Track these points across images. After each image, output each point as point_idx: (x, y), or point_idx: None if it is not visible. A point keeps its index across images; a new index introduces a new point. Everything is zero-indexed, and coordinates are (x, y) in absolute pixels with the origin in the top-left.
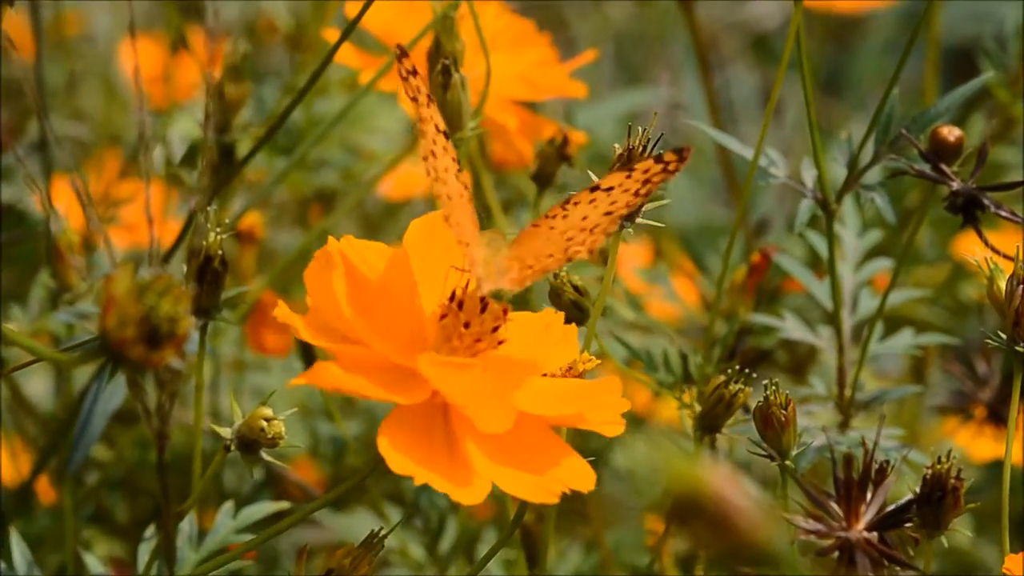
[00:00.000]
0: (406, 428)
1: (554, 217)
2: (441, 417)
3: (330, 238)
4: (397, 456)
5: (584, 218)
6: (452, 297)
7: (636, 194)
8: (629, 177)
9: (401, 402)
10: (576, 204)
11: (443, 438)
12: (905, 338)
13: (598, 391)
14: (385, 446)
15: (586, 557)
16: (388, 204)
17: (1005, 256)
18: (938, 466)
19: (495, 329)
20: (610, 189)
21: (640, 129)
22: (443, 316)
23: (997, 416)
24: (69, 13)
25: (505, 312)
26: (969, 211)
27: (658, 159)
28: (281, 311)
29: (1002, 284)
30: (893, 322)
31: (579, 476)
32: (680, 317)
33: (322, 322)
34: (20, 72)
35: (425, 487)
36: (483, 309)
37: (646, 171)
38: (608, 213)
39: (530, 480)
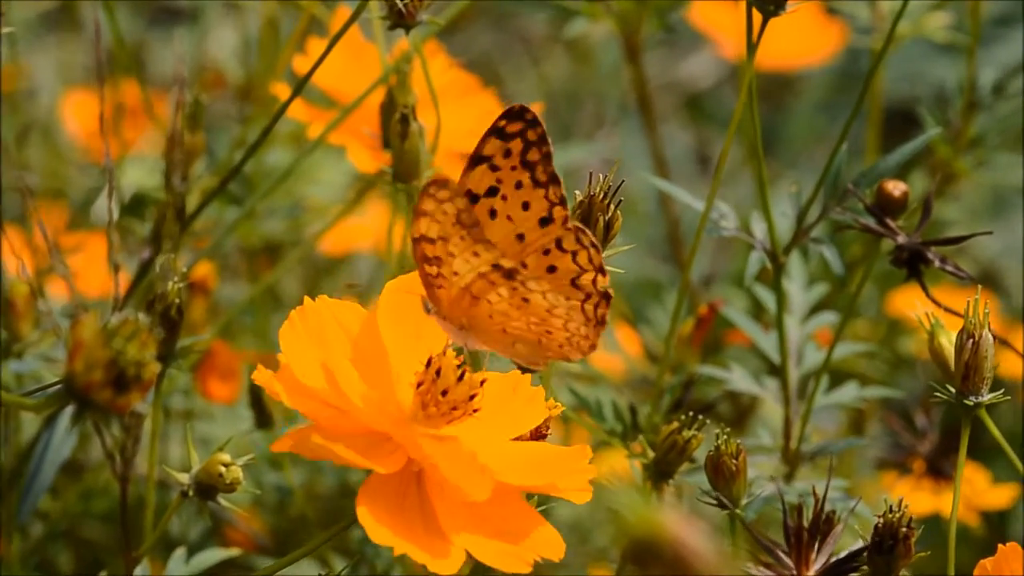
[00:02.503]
0: (383, 496)
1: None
2: (416, 484)
3: (306, 298)
4: (377, 526)
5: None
6: (429, 364)
7: (541, 188)
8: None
9: (379, 471)
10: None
11: (418, 506)
12: (851, 391)
13: (568, 458)
14: (365, 515)
15: None
16: (332, 257)
17: (949, 311)
18: (889, 515)
19: (471, 397)
20: (494, 191)
21: (600, 177)
22: (420, 383)
23: (936, 470)
24: (11, 67)
25: (482, 382)
26: (914, 265)
27: (494, 130)
28: (260, 375)
29: (943, 339)
30: (833, 375)
31: (550, 544)
32: (623, 368)
33: (297, 383)
34: None
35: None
36: (460, 377)
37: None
38: (545, 221)
39: (504, 549)
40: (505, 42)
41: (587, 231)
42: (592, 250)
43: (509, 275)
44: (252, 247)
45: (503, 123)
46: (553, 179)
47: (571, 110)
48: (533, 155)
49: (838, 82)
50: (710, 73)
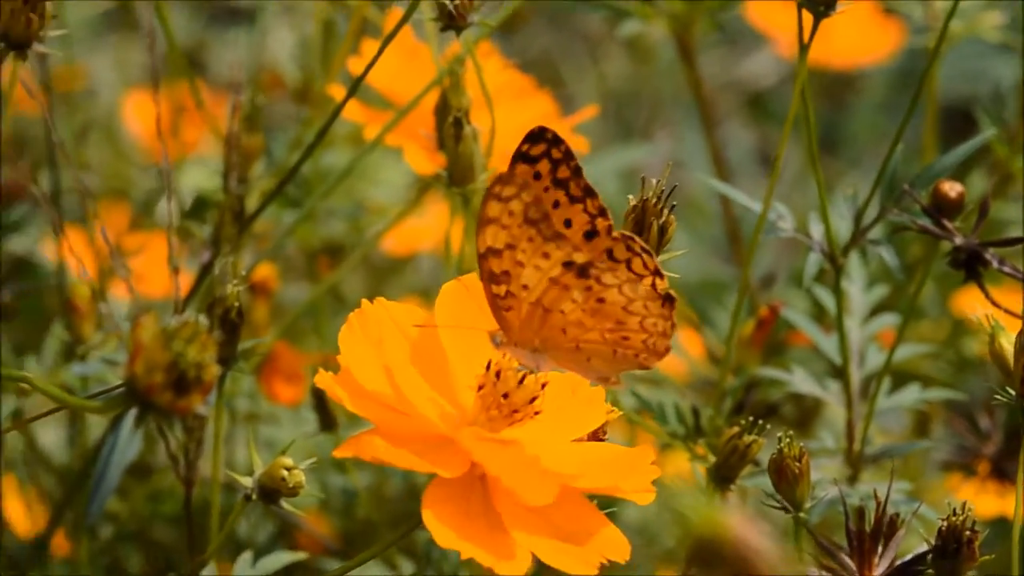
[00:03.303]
0: (448, 499)
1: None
2: (480, 487)
3: (364, 301)
4: (443, 529)
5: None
6: (488, 366)
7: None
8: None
9: (443, 475)
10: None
11: (482, 509)
12: (912, 393)
13: (631, 459)
14: (431, 519)
15: None
16: (393, 258)
17: (1009, 312)
18: (953, 518)
19: (532, 400)
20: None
21: (653, 181)
22: (481, 386)
23: (1001, 471)
24: (70, 67)
25: (543, 385)
26: (972, 266)
27: (521, 157)
28: (322, 379)
29: (1004, 341)
30: (897, 377)
31: (616, 546)
32: (686, 370)
33: (358, 386)
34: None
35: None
36: (520, 380)
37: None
38: (590, 235)
39: (569, 551)
40: (565, 41)
41: (636, 237)
42: (645, 255)
43: (583, 272)
44: (312, 248)
45: (526, 147)
46: (588, 192)
47: (632, 109)
48: (563, 172)
49: (899, 80)
50: (772, 71)
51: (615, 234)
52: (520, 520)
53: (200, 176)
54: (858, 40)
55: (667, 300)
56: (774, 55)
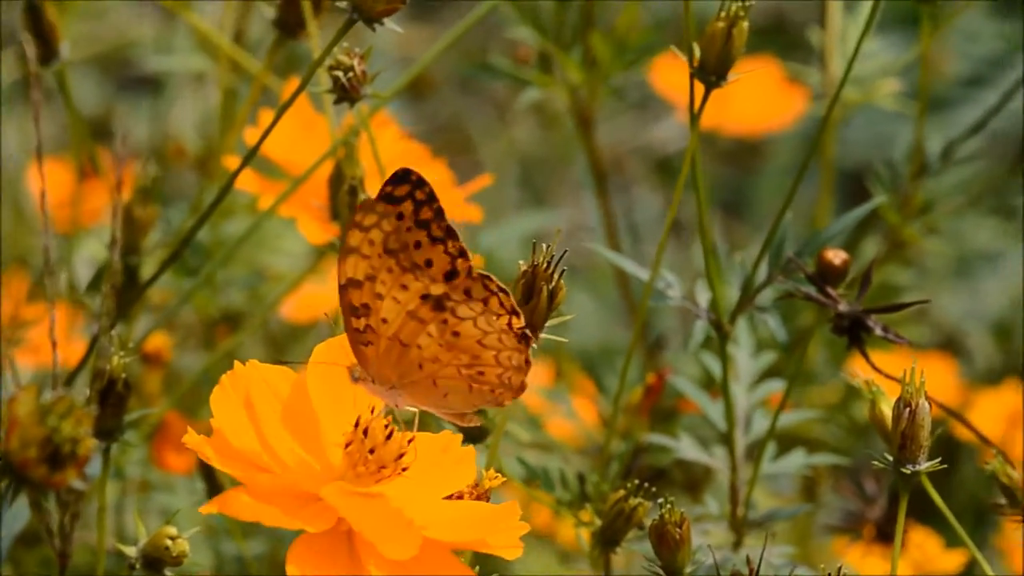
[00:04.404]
0: (314, 556)
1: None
2: (346, 542)
3: (236, 362)
4: None
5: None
6: (357, 424)
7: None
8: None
9: (309, 530)
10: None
11: (348, 564)
12: (797, 458)
13: (499, 515)
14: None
15: None
16: (294, 326)
17: (890, 378)
18: None
19: (399, 456)
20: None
21: (544, 246)
22: (349, 443)
23: (885, 535)
24: None
25: (410, 441)
26: (854, 333)
27: (385, 197)
28: (191, 439)
29: (884, 407)
30: (787, 441)
31: None
32: (579, 436)
33: (228, 446)
34: None
35: None
36: (388, 436)
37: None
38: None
39: None
40: (475, 106)
41: (492, 276)
42: (502, 295)
43: (439, 304)
44: (210, 318)
45: (390, 188)
46: (450, 233)
47: (541, 174)
48: (425, 214)
49: (805, 145)
50: (679, 136)
51: (474, 274)
52: (384, 574)
53: (99, 246)
54: (762, 106)
55: (523, 338)
56: (681, 120)
